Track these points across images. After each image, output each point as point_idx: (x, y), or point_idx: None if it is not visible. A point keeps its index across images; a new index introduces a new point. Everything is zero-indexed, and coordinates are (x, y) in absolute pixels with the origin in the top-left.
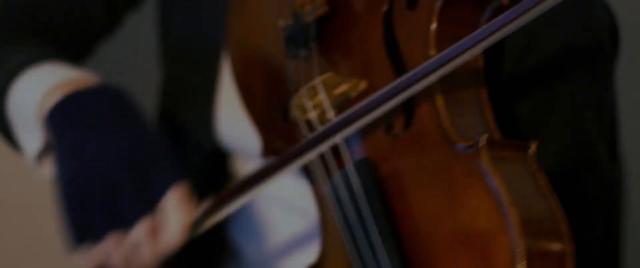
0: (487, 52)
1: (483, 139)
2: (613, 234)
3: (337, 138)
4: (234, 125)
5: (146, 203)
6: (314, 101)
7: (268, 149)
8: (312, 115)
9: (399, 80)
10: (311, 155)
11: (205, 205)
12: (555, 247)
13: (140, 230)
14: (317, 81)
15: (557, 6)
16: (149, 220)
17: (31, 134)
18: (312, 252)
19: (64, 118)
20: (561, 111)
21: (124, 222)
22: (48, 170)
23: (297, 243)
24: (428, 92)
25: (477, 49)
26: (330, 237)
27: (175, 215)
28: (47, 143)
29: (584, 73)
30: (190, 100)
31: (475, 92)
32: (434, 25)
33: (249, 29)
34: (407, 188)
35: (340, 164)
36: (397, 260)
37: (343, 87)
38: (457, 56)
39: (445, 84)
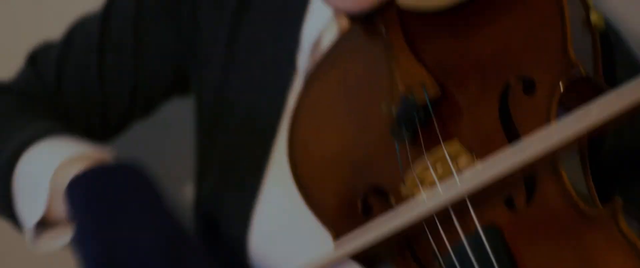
0: None
1: (618, 202)
2: None
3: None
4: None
5: None
6: (431, 178)
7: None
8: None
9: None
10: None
11: None
12: None
13: None
14: (446, 153)
15: None
16: None
17: (34, 205)
18: None
19: (87, 191)
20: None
21: None
22: (48, 243)
23: None
24: (551, 166)
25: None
26: None
27: None
28: (46, 215)
29: None
30: (235, 184)
31: (583, 153)
32: (554, 109)
33: (319, 132)
34: (536, 257)
35: (466, 229)
36: None
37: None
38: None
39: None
